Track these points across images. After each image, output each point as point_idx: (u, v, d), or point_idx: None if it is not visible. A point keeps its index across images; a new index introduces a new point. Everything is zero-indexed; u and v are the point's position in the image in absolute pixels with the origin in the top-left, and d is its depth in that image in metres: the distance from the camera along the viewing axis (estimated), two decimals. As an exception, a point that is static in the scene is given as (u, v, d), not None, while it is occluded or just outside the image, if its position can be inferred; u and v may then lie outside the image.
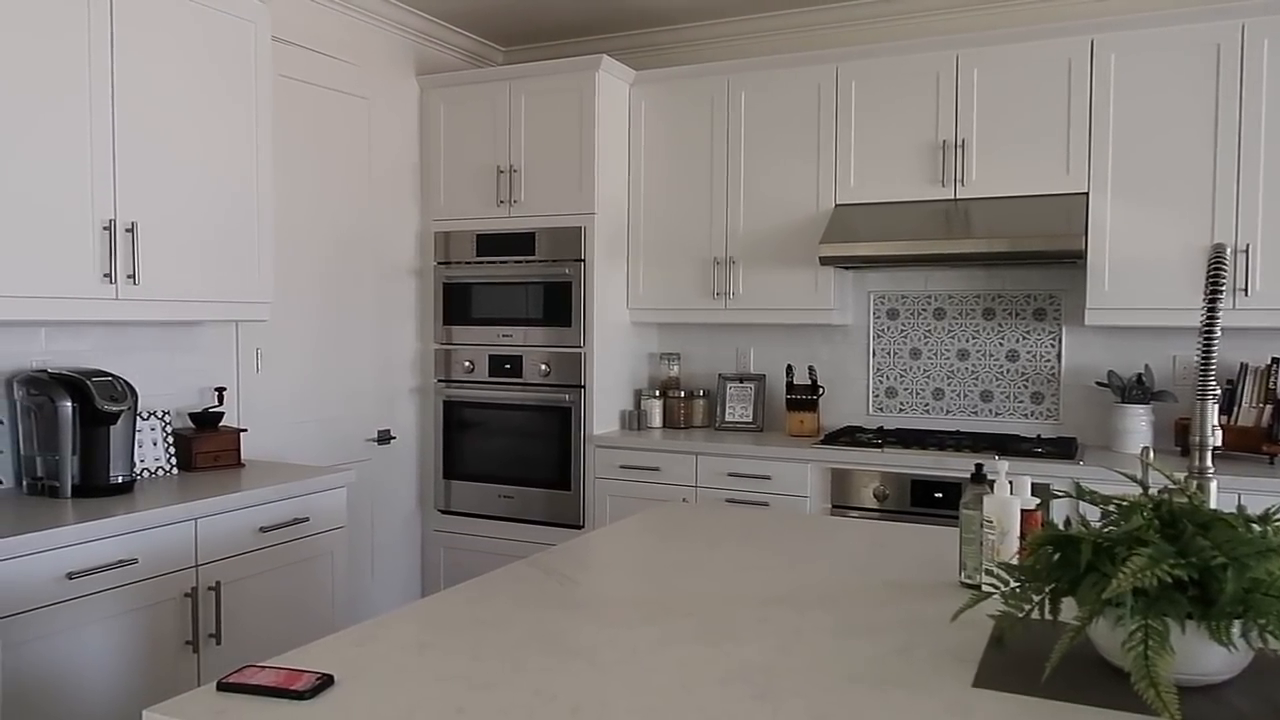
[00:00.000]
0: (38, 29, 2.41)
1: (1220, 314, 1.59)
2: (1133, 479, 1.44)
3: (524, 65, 3.97)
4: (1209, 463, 1.59)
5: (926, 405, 3.90)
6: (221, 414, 3.10)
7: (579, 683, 1.27)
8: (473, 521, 4.11)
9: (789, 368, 3.94)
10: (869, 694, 1.23)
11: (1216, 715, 1.15)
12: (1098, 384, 3.57)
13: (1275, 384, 3.22)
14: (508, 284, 4.01)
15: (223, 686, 1.23)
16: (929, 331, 3.89)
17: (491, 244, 4.04)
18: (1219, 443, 1.72)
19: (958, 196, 3.52)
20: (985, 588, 1.48)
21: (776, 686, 1.26)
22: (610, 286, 3.98)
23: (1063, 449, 3.35)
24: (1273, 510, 1.28)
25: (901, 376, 3.95)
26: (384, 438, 4.02)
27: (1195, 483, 1.60)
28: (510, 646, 1.40)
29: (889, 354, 3.97)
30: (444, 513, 4.17)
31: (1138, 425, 3.36)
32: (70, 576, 2.20)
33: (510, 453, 4.02)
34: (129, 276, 2.64)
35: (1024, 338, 3.74)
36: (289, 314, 3.57)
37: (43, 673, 2.16)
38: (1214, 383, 1.61)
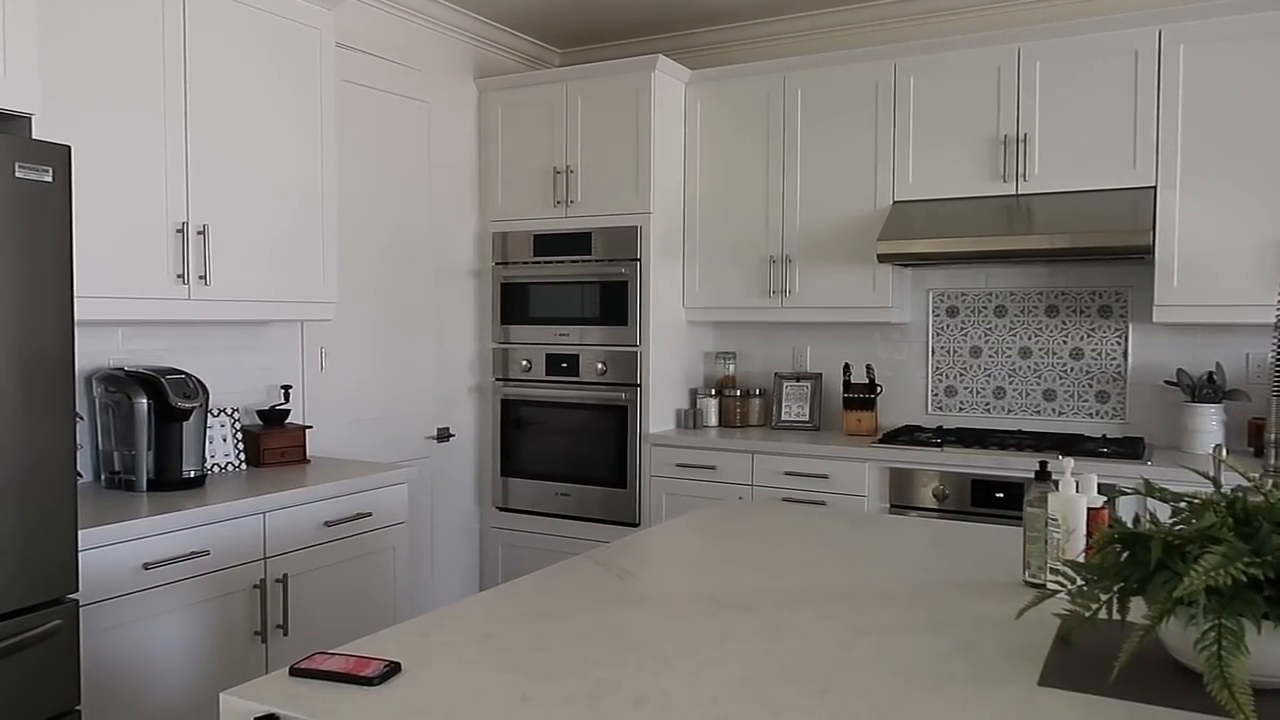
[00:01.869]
0: (112, 38, 2.50)
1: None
2: (1206, 476, 1.41)
3: (580, 66, 4.00)
4: (1286, 461, 1.55)
5: (987, 404, 3.84)
6: (288, 411, 3.17)
7: (641, 675, 1.28)
8: (530, 519, 4.15)
9: (846, 366, 3.91)
10: (932, 692, 1.22)
11: (1293, 718, 1.13)
12: (1166, 383, 3.49)
13: (1355, 382, 3.11)
14: (564, 284, 4.04)
15: (294, 672, 1.26)
16: (990, 329, 3.84)
17: (548, 244, 4.08)
18: (1296, 441, 1.68)
19: (1019, 192, 3.46)
20: (1051, 586, 1.46)
21: (838, 682, 1.26)
22: (666, 285, 4.00)
23: (1130, 449, 3.27)
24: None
25: (961, 375, 3.89)
26: (443, 435, 4.08)
27: (1270, 481, 1.56)
28: (573, 639, 1.42)
29: (949, 352, 3.92)
30: (502, 510, 4.22)
31: (1209, 425, 3.27)
32: (146, 567, 2.28)
33: (567, 451, 4.06)
34: (200, 277, 2.72)
35: (1088, 335, 3.66)
36: (351, 314, 3.65)
37: (121, 658, 2.24)
38: (1290, 379, 1.57)
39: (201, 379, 3.01)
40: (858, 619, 1.52)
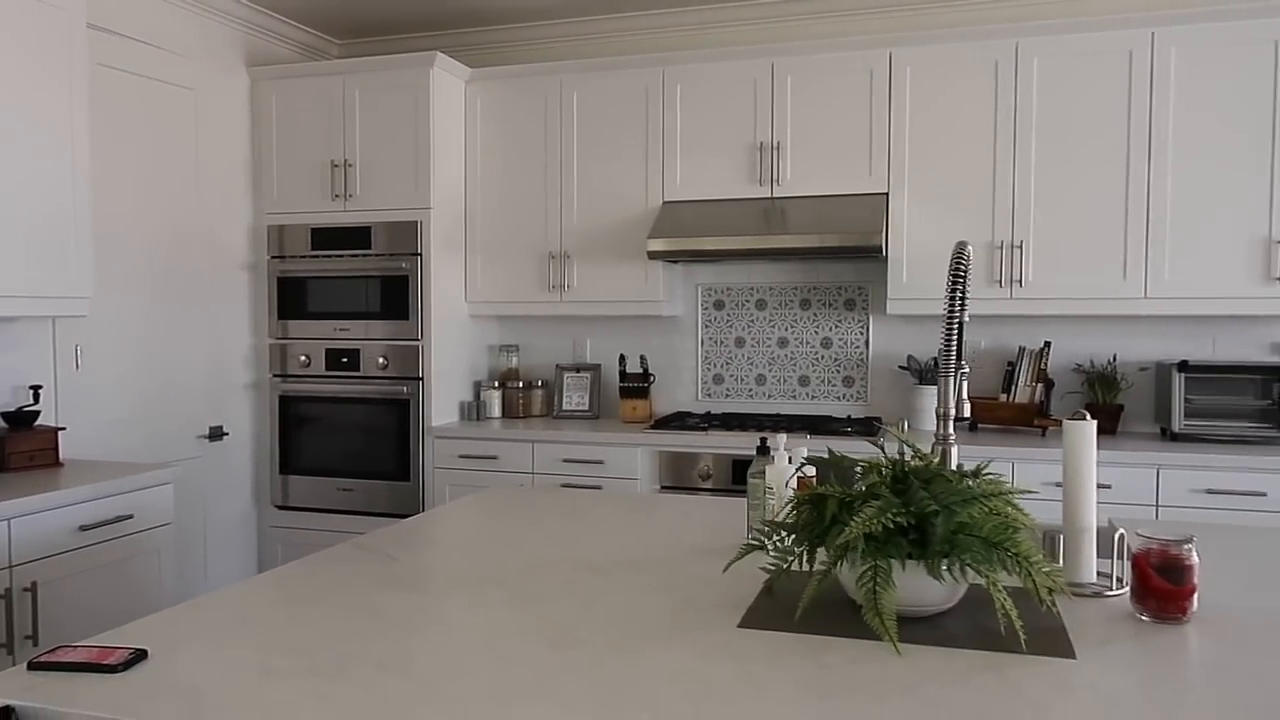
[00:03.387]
0: None
1: (961, 303, 1.84)
2: (878, 447, 1.66)
3: (358, 60, 3.98)
4: (951, 430, 1.84)
5: (751, 391, 4.16)
6: (37, 413, 3.01)
7: (388, 643, 1.38)
8: (311, 516, 4.10)
9: (621, 357, 4.11)
10: (649, 639, 1.40)
11: (931, 637, 1.38)
12: (900, 368, 3.91)
13: (1046, 365, 3.63)
14: (344, 278, 4.02)
15: (33, 666, 1.27)
16: (752, 321, 4.15)
17: (327, 238, 4.04)
18: (966, 414, 2.00)
19: (774, 195, 3.78)
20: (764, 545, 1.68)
21: (570, 638, 1.41)
22: (448, 280, 4.06)
23: (868, 428, 3.66)
24: (982, 466, 1.52)
25: (728, 364, 4.19)
26: (216, 434, 3.96)
27: (941, 449, 1.86)
28: (326, 617, 1.50)
29: (716, 343, 4.21)
30: (281, 508, 4.14)
31: (932, 405, 3.71)
32: None
33: (349, 446, 4.04)
34: (-70, 271, 2.54)
35: (836, 326, 4.05)
36: (113, 309, 3.48)
37: None
38: (959, 362, 1.86)
39: (-66, 380, 2.80)
40: (600, 584, 1.68)
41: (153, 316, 3.67)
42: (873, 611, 1.33)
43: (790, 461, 1.86)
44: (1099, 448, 3.34)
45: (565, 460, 3.78)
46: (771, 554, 1.51)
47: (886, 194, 3.66)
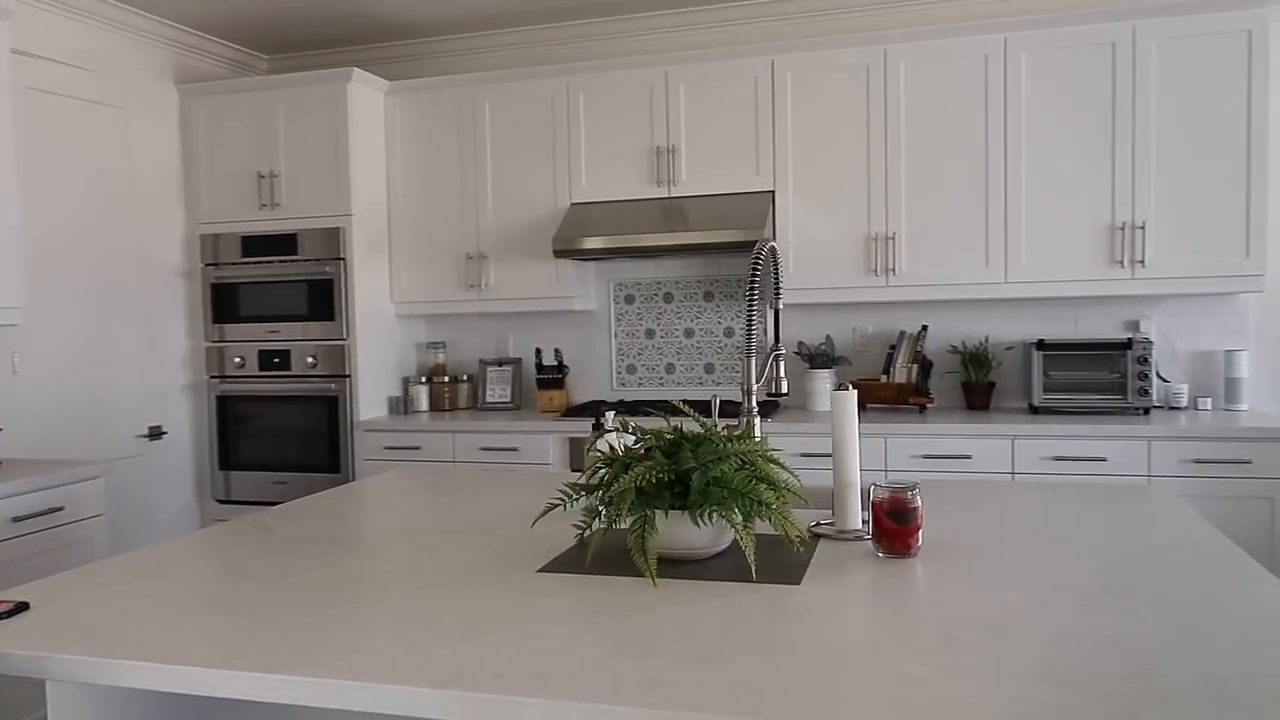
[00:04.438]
0: None
1: (775, 293, 2.11)
2: (665, 418, 1.94)
3: (280, 76, 4.22)
4: (754, 404, 2.12)
5: (661, 379, 4.44)
6: (-25, 416, 3.24)
7: (242, 591, 1.64)
8: (251, 509, 4.35)
9: (538, 351, 4.38)
10: (455, 583, 1.66)
11: (691, 574, 1.65)
12: (793, 353, 4.20)
13: (923, 347, 3.92)
14: (274, 283, 4.27)
15: (-69, 617, 1.52)
16: (660, 314, 4.43)
17: (256, 245, 4.28)
18: (785, 390, 2.28)
19: (672, 195, 4.05)
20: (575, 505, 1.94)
21: (396, 583, 1.67)
22: (372, 282, 4.31)
23: (766, 410, 3.94)
24: (747, 431, 1.79)
25: (639, 355, 4.47)
26: (155, 433, 4.20)
27: (746, 420, 2.14)
28: (197, 574, 1.76)
29: (628, 335, 4.48)
30: (221, 502, 4.39)
31: (822, 386, 4.00)
32: None
33: (284, 441, 4.29)
34: None
35: (737, 316, 4.32)
36: (51, 318, 3.71)
37: None
38: (776, 345, 2.13)
39: (-125, 388, 3.03)
40: (438, 544, 1.95)
41: (91, 323, 3.90)
42: (638, 551, 1.60)
43: (619, 434, 2.12)
44: (970, 422, 3.67)
45: (483, 449, 4.04)
46: (578, 511, 1.78)
47: (773, 192, 3.93)
